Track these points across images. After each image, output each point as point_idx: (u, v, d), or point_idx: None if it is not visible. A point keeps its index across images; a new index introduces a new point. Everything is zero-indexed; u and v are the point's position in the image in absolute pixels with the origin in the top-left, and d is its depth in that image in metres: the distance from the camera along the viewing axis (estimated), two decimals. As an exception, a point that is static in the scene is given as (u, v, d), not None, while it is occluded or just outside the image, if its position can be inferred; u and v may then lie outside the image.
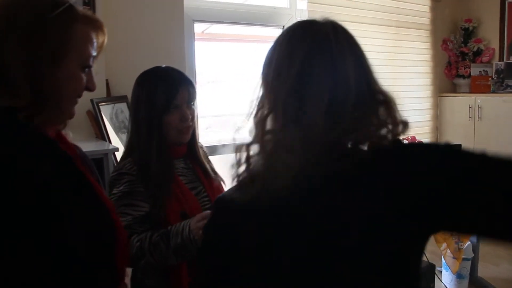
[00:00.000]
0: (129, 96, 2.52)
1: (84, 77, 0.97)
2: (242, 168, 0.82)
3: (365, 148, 0.79)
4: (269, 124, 0.81)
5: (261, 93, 0.85)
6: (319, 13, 3.44)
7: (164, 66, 1.48)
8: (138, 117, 1.42)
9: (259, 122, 0.82)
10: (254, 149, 0.82)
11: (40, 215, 0.83)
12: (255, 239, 0.79)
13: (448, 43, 4.37)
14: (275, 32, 3.59)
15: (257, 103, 0.84)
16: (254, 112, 0.84)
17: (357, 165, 0.75)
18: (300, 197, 0.75)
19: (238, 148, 0.83)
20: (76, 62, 0.94)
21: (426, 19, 4.23)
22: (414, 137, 3.81)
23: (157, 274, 1.40)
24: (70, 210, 0.88)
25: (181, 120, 1.41)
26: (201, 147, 1.59)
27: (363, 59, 0.83)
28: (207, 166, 1.55)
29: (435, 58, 4.36)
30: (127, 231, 1.29)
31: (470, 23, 4.38)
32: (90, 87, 0.99)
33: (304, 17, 3.40)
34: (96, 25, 0.99)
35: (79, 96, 1.00)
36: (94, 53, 0.99)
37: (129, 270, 1.48)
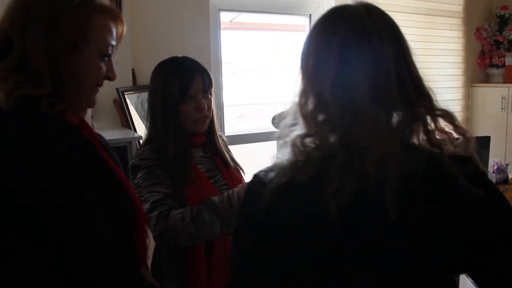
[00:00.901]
0: (155, 85, 2.59)
1: (103, 66, 0.99)
2: (298, 158, 0.80)
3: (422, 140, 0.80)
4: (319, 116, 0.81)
5: (302, 85, 0.84)
6: (347, 2, 3.39)
7: (180, 56, 1.49)
8: (154, 108, 1.44)
9: (309, 114, 0.81)
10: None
11: (67, 200, 0.86)
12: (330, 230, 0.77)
13: (481, 32, 4.22)
14: (303, 21, 3.56)
15: (300, 96, 0.83)
16: (299, 104, 0.83)
17: (431, 170, 0.76)
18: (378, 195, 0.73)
19: (294, 142, 0.81)
20: (94, 51, 0.96)
21: (458, 7, 4.10)
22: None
23: (175, 261, 1.43)
24: (94, 195, 0.91)
25: (197, 111, 1.43)
26: (220, 136, 1.60)
27: (402, 42, 0.81)
28: (226, 155, 1.57)
29: (467, 47, 4.23)
30: (161, 206, 1.32)
31: (506, 10, 4.21)
32: (110, 76, 1.01)
33: (331, 5, 3.35)
34: (114, 15, 1.01)
35: (99, 85, 1.02)
36: (114, 43, 1.01)
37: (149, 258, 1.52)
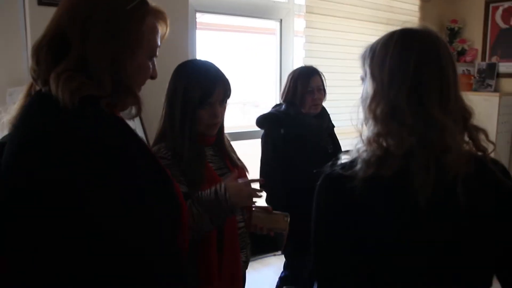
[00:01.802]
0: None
1: (150, 66, 1.02)
2: (376, 153, 0.92)
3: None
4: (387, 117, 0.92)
5: (373, 91, 0.95)
6: (316, 8, 3.52)
7: (203, 60, 1.54)
8: (173, 107, 1.48)
9: (380, 117, 0.93)
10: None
11: (143, 195, 0.89)
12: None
13: (434, 42, 4.52)
14: (270, 25, 3.64)
15: (371, 100, 0.95)
16: (368, 107, 0.94)
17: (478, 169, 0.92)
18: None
19: (369, 139, 0.93)
20: (146, 52, 0.99)
21: (415, 18, 4.37)
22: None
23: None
24: (154, 188, 0.95)
25: (211, 117, 1.49)
26: (226, 136, 1.66)
27: (454, 61, 0.97)
28: (233, 155, 1.64)
29: (422, 56, 4.49)
30: None
31: (456, 23, 4.55)
32: (154, 75, 1.05)
33: (302, 12, 3.47)
34: (162, 17, 1.04)
35: (143, 84, 1.05)
36: (159, 43, 1.04)
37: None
